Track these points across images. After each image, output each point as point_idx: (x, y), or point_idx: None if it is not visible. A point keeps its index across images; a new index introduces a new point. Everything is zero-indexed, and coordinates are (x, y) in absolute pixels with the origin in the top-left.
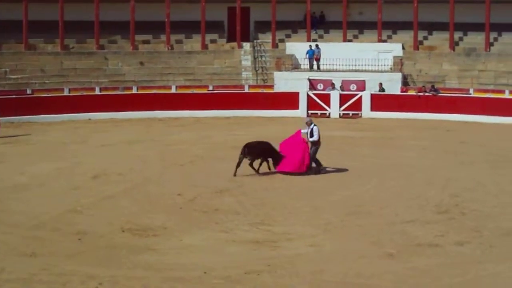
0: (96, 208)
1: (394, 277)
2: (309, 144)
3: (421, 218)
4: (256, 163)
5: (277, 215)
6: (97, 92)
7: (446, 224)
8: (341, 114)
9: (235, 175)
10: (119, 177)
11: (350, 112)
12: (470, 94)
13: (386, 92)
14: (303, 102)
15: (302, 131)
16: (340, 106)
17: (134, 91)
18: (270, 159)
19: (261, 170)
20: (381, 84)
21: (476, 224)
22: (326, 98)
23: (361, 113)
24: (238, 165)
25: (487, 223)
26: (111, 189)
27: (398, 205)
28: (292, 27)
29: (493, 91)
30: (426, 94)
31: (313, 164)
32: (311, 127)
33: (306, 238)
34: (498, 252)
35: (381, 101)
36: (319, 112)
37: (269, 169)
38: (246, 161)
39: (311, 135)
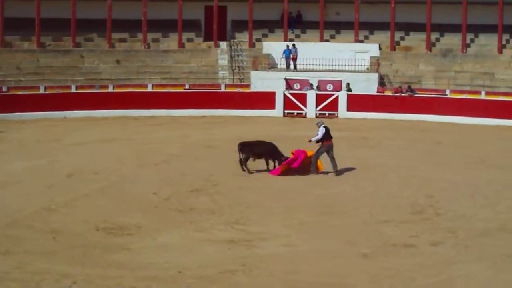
0: (71, 206)
1: (368, 277)
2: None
3: (396, 218)
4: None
5: (252, 215)
6: (73, 90)
7: (421, 224)
8: (318, 114)
9: (249, 172)
10: (94, 175)
11: (327, 112)
12: (447, 95)
13: (364, 93)
14: (279, 101)
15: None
16: (317, 106)
17: (110, 89)
18: (270, 161)
19: (260, 168)
20: (348, 84)
21: (451, 224)
22: (302, 98)
23: (337, 113)
24: (241, 162)
25: (461, 223)
26: (86, 187)
27: (373, 205)
28: (269, 26)
29: (469, 92)
30: (403, 94)
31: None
32: (319, 128)
33: (281, 238)
34: (472, 252)
35: (357, 101)
36: (295, 112)
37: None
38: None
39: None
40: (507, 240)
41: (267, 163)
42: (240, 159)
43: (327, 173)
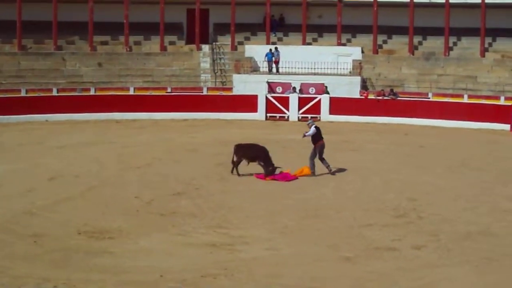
0: (52, 210)
1: (351, 281)
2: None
3: (378, 222)
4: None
5: (234, 219)
6: (54, 93)
7: (403, 228)
8: (300, 117)
9: (238, 174)
10: (76, 179)
11: (309, 115)
12: (429, 98)
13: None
14: (261, 105)
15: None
16: (299, 110)
17: (92, 92)
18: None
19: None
20: (326, 87)
21: (433, 228)
22: (285, 101)
23: (319, 117)
24: (234, 163)
25: (444, 227)
26: (67, 191)
27: (356, 208)
28: (251, 29)
29: (452, 96)
30: (385, 98)
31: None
32: (310, 128)
33: (263, 242)
34: (455, 256)
35: (340, 105)
36: (277, 115)
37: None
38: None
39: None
40: (489, 243)
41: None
42: (233, 160)
43: (310, 176)
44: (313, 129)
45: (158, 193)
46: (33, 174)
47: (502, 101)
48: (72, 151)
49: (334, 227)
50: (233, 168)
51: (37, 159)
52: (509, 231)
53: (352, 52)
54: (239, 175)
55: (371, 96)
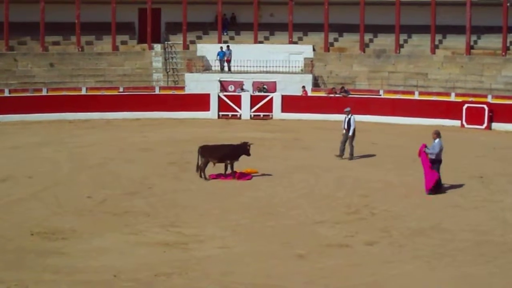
0: (4, 211)
1: (304, 277)
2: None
3: (331, 219)
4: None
5: (187, 217)
6: (6, 94)
7: (356, 224)
8: (252, 116)
9: (205, 178)
10: (28, 179)
11: (261, 114)
12: (380, 95)
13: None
14: (214, 103)
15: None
16: (251, 108)
17: (44, 93)
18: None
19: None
20: (262, 84)
21: (385, 224)
22: (237, 100)
23: (272, 115)
24: (199, 168)
25: (396, 223)
26: (19, 192)
27: (308, 206)
28: (203, 28)
29: (403, 92)
30: (337, 95)
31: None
32: (349, 116)
33: (216, 240)
34: (407, 251)
35: (292, 103)
36: (230, 113)
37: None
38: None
39: (348, 125)
40: (440, 239)
41: (226, 168)
42: (198, 164)
43: (261, 175)
44: (353, 119)
45: (111, 192)
46: None
47: (452, 98)
48: (24, 151)
49: (286, 225)
50: (200, 173)
51: None
52: (461, 227)
53: (304, 50)
54: (206, 179)
55: (312, 94)
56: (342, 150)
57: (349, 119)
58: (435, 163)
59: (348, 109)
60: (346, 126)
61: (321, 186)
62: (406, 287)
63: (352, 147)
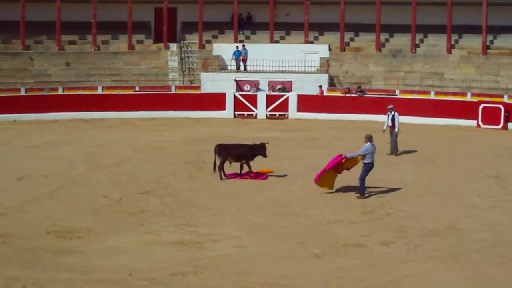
0: (21, 210)
1: (319, 277)
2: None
3: (347, 219)
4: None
5: (202, 216)
6: (22, 93)
7: (371, 224)
8: (268, 115)
9: (223, 177)
10: (44, 179)
11: (277, 113)
12: (396, 95)
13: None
14: (229, 103)
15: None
16: (267, 107)
17: (60, 92)
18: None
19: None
20: (282, 84)
21: (401, 224)
22: (253, 99)
23: (287, 114)
24: (216, 166)
25: (412, 223)
26: (36, 191)
27: (324, 205)
28: (219, 28)
29: (419, 92)
30: (353, 95)
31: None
32: (393, 113)
33: (231, 239)
34: (422, 252)
35: (307, 102)
36: (245, 113)
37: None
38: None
39: (393, 122)
40: (456, 239)
41: (242, 167)
42: (215, 163)
43: (277, 174)
44: (397, 115)
45: (126, 192)
46: (1, 174)
47: (468, 98)
48: (40, 151)
49: (302, 224)
50: (220, 172)
51: (5, 159)
52: (476, 227)
53: (320, 50)
54: (221, 178)
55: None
56: (396, 148)
57: (393, 116)
58: (370, 168)
59: (391, 106)
60: (390, 123)
61: (337, 186)
62: None
63: (396, 143)
